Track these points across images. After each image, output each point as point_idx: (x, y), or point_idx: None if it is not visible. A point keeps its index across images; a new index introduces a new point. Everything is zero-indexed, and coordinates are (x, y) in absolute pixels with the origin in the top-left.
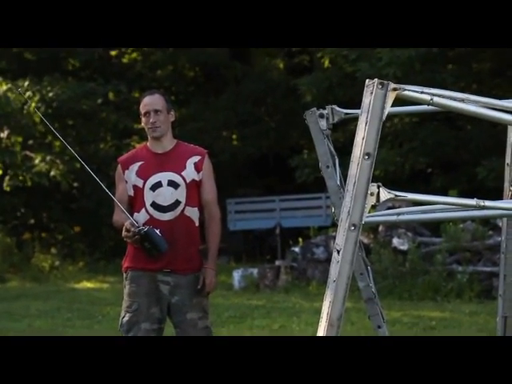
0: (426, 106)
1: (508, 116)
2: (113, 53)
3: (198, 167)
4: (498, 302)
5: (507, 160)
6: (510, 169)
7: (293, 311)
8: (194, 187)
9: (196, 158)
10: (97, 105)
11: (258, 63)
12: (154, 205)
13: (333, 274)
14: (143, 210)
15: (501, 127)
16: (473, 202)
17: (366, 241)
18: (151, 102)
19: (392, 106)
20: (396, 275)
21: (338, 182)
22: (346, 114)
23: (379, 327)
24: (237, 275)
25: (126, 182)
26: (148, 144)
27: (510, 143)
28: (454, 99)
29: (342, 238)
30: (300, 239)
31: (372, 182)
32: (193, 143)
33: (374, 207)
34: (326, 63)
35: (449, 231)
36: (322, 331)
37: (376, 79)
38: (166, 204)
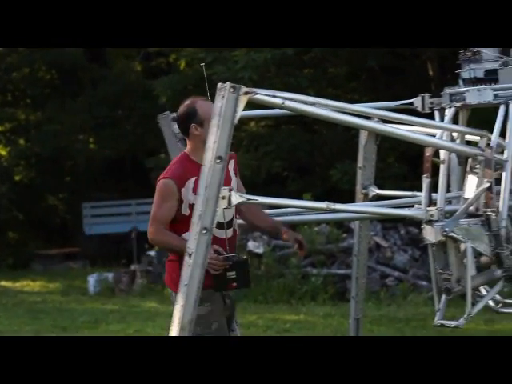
0: (279, 109)
1: (358, 120)
2: None
3: (235, 171)
4: (350, 304)
5: (359, 163)
6: (362, 172)
7: (148, 315)
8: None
9: (232, 163)
10: None
11: (115, 65)
12: (217, 223)
13: (184, 278)
14: None
15: (354, 131)
16: (323, 205)
17: None
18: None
19: (247, 109)
20: (251, 279)
21: None
22: None
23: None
24: (92, 280)
25: (182, 201)
26: (192, 156)
27: (361, 147)
28: (306, 103)
29: (194, 242)
30: None
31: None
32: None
33: None
34: (182, 65)
35: (303, 234)
36: (173, 335)
37: (228, 83)
38: (225, 221)
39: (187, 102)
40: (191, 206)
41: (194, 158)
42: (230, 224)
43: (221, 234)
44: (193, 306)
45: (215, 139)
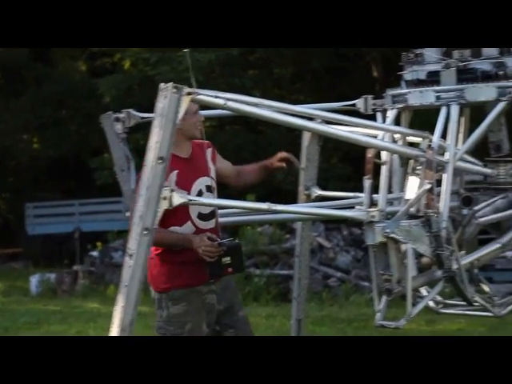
0: (222, 110)
1: (300, 121)
2: None
3: (213, 160)
4: (292, 305)
5: (302, 164)
6: (305, 173)
7: (90, 316)
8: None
9: (209, 152)
10: None
11: (60, 65)
12: (200, 215)
13: (125, 279)
14: (189, 222)
15: (298, 132)
16: (265, 206)
17: None
18: None
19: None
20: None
21: (133, 186)
22: (143, 118)
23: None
24: (34, 280)
25: None
26: (173, 150)
27: (304, 148)
28: (248, 104)
29: (135, 243)
30: (99, 243)
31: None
32: None
33: None
34: (127, 65)
35: (247, 235)
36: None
37: (170, 83)
38: (208, 212)
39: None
40: None
41: (176, 152)
42: (213, 214)
43: (205, 225)
44: (133, 307)
45: (157, 139)
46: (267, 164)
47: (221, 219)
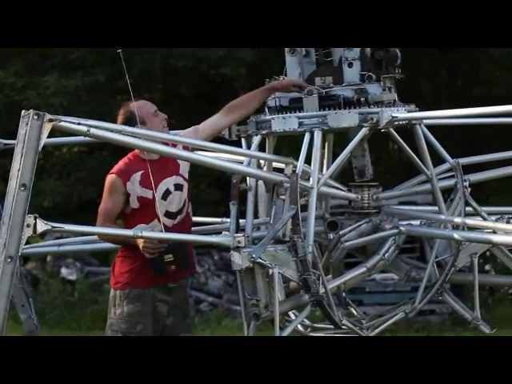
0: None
1: (164, 148)
2: None
3: (186, 148)
4: None
5: None
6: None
7: None
8: (190, 177)
9: (180, 146)
10: None
11: None
12: (167, 213)
13: None
14: (155, 221)
15: None
16: (130, 232)
17: (34, 271)
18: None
19: (56, 136)
20: (65, 306)
21: None
22: (6, 144)
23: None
24: None
25: (129, 194)
26: (138, 152)
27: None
28: (111, 130)
29: None
30: None
31: (33, 213)
32: None
33: (42, 236)
34: None
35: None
36: None
37: (31, 110)
38: (176, 210)
39: (122, 111)
40: (140, 199)
41: (143, 155)
42: (180, 212)
43: (171, 222)
44: None
45: (19, 167)
46: (272, 88)
47: (87, 246)
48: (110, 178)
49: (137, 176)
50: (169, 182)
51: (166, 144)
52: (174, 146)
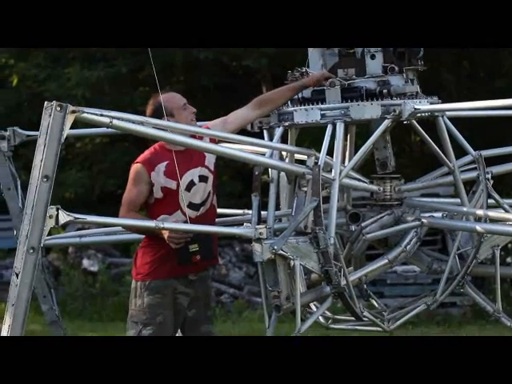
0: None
1: (187, 139)
2: None
3: (213, 141)
4: None
5: None
6: None
7: None
8: (216, 168)
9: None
10: None
11: None
12: (190, 205)
13: (11, 298)
14: (178, 212)
15: None
16: (152, 224)
17: (56, 263)
18: (179, 95)
19: (79, 127)
20: (86, 297)
21: (20, 204)
22: (28, 136)
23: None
24: None
25: (153, 184)
26: (164, 142)
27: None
28: (133, 122)
29: (21, 261)
30: None
31: (55, 204)
32: None
33: (64, 228)
34: (15, 82)
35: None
36: None
37: (54, 101)
38: (200, 201)
39: (151, 102)
40: (164, 189)
41: (169, 146)
42: (204, 203)
43: (194, 214)
44: (20, 326)
45: (41, 158)
46: (306, 84)
47: (110, 237)
48: (135, 167)
49: (162, 166)
50: (194, 173)
51: (193, 136)
52: (201, 138)
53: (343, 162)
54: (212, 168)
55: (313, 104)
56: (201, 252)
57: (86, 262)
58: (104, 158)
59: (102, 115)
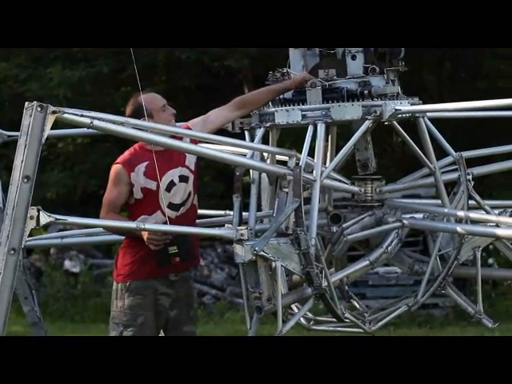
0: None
1: (167, 140)
2: None
3: (194, 142)
4: None
5: None
6: None
7: None
8: (197, 168)
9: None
10: None
11: None
12: (170, 205)
13: None
14: (158, 212)
15: None
16: (133, 225)
17: (37, 264)
18: (159, 96)
19: (60, 127)
20: (68, 298)
21: (1, 205)
22: (10, 136)
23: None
24: None
25: (133, 185)
26: (146, 146)
27: None
28: (114, 122)
29: (2, 262)
30: None
31: (36, 205)
32: None
33: (46, 229)
34: None
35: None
36: None
37: (35, 102)
38: (181, 202)
39: (131, 102)
40: (144, 190)
41: (148, 146)
42: (184, 203)
43: (172, 214)
44: (1, 328)
45: (22, 158)
46: (287, 86)
47: (90, 238)
48: (115, 168)
49: (141, 167)
50: (174, 174)
51: (173, 136)
52: (181, 138)
53: (324, 162)
54: (193, 168)
55: (294, 105)
56: (180, 254)
57: (67, 263)
58: (86, 158)
59: (82, 116)
